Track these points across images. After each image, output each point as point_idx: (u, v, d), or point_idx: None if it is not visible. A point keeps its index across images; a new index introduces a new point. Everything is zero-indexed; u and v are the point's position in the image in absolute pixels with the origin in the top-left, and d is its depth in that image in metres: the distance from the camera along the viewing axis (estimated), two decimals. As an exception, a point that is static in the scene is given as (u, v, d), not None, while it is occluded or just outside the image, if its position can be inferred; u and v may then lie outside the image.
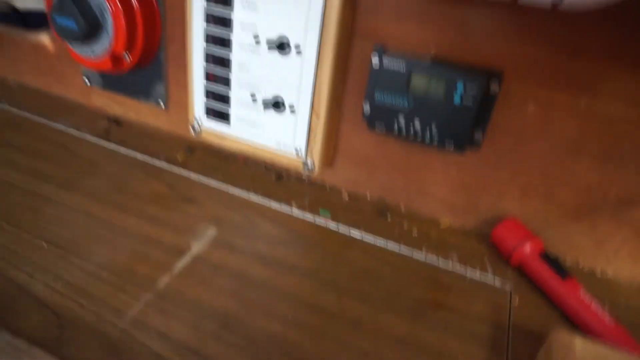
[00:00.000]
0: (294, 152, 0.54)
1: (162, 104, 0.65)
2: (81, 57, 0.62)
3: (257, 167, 0.62)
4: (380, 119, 0.50)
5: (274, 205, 0.55)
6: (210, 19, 0.51)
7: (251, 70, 0.52)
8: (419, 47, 0.47)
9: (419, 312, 0.42)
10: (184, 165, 0.61)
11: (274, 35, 0.49)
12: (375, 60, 0.48)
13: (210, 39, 0.53)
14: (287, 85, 0.51)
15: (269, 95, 0.52)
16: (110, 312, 0.39)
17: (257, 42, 0.50)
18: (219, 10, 0.51)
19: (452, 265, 0.48)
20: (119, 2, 0.56)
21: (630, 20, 0.39)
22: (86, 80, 0.70)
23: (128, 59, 0.60)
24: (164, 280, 0.43)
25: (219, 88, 0.55)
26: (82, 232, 0.48)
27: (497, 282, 0.47)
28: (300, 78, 0.50)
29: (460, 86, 0.45)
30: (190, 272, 0.44)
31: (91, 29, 0.57)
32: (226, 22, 0.51)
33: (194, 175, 0.59)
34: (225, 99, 0.55)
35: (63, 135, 0.65)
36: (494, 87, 0.45)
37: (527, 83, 0.45)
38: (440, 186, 0.53)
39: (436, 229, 0.54)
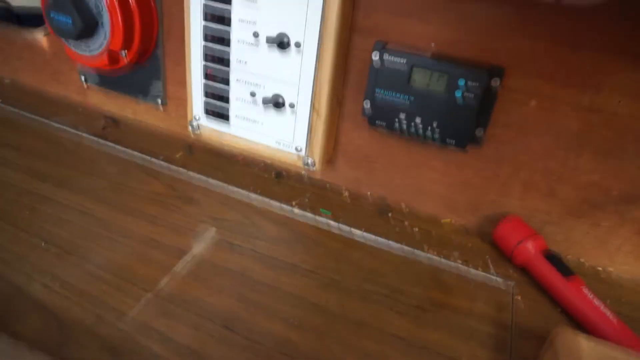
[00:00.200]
0: (294, 150, 0.53)
1: (160, 102, 0.65)
2: (77, 55, 0.61)
3: (257, 166, 0.62)
4: (381, 116, 0.50)
5: (275, 204, 0.55)
6: (209, 15, 0.51)
7: (250, 68, 0.51)
8: (420, 43, 0.47)
9: (422, 311, 0.42)
10: (183, 164, 0.60)
11: (273, 32, 0.48)
12: (375, 57, 0.48)
13: (209, 36, 0.52)
14: (287, 83, 0.50)
15: (269, 93, 0.52)
16: (111, 313, 0.39)
17: (257, 39, 0.49)
18: (217, 6, 0.50)
19: (454, 264, 0.48)
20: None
21: (633, 15, 0.39)
22: (82, 78, 0.69)
23: (125, 56, 0.59)
24: (164, 281, 0.43)
25: (217, 86, 0.54)
26: (81, 232, 0.47)
27: (499, 281, 0.46)
28: (300, 75, 0.49)
29: (461, 82, 0.45)
30: (191, 272, 0.44)
31: (87, 26, 0.57)
32: (225, 19, 0.50)
33: (193, 175, 0.58)
34: (224, 98, 0.54)
35: (60, 134, 0.65)
36: (496, 82, 0.44)
37: (529, 78, 0.44)
38: (441, 184, 0.53)
39: (438, 228, 0.53)
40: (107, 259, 0.44)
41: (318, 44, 0.47)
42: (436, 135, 0.48)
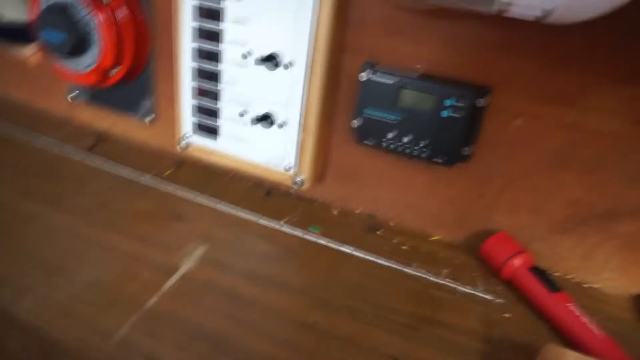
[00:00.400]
0: (283, 168, 0.54)
1: (149, 119, 0.65)
2: (66, 72, 0.61)
3: (246, 183, 0.62)
4: (369, 134, 0.50)
5: (264, 222, 0.54)
6: (200, 33, 0.51)
7: (241, 85, 0.52)
8: (408, 62, 0.48)
9: (412, 328, 0.42)
10: (172, 181, 0.60)
11: (264, 50, 0.49)
12: (364, 75, 0.48)
13: (200, 53, 0.52)
14: (276, 102, 0.51)
15: (259, 110, 0.52)
16: (97, 335, 0.38)
17: (247, 58, 0.50)
18: (208, 25, 0.50)
19: (442, 280, 0.48)
20: (108, 16, 0.55)
21: (615, 34, 0.40)
22: (72, 95, 0.69)
23: (116, 73, 0.59)
24: (152, 301, 0.42)
25: (207, 103, 0.55)
26: (67, 251, 0.47)
27: (487, 297, 0.47)
28: (290, 94, 0.50)
29: (448, 102, 0.45)
30: (180, 291, 0.43)
31: (78, 43, 0.57)
32: (216, 37, 0.51)
33: (182, 192, 0.58)
34: (214, 114, 0.55)
35: (48, 151, 0.64)
36: (483, 101, 0.45)
37: (515, 97, 0.45)
38: (429, 200, 0.53)
39: (427, 245, 0.54)
40: (94, 278, 0.44)
41: (308, 64, 0.48)
42: (424, 154, 0.49)
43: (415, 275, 0.49)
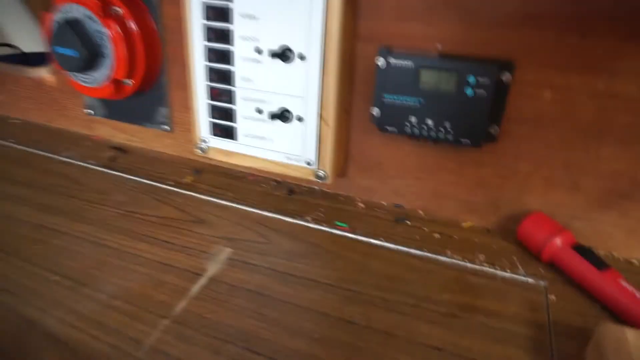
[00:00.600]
0: (304, 164, 0.52)
1: (166, 127, 0.65)
2: (82, 86, 0.61)
3: (268, 183, 0.61)
4: (391, 121, 0.49)
5: (289, 220, 0.53)
6: (210, 34, 0.51)
7: (255, 83, 0.51)
8: (425, 44, 0.46)
9: (453, 318, 0.40)
10: (192, 187, 0.59)
11: (276, 45, 0.48)
12: (380, 62, 0.47)
13: (211, 55, 0.52)
14: (293, 96, 0.50)
15: (275, 106, 0.51)
16: (127, 343, 0.37)
17: (260, 54, 0.49)
18: (218, 25, 0.50)
19: (480, 267, 0.46)
20: (119, 28, 0.55)
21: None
22: (89, 111, 0.70)
23: (130, 84, 0.59)
24: (181, 306, 0.41)
25: (223, 106, 0.54)
26: (93, 262, 0.46)
27: (530, 281, 0.44)
28: (306, 87, 0.48)
29: (471, 79, 0.44)
30: (208, 294, 0.42)
31: (92, 57, 0.57)
32: (226, 37, 0.50)
33: (203, 197, 0.57)
34: (230, 116, 0.54)
35: (69, 168, 0.64)
36: (507, 76, 0.43)
37: (540, 69, 0.43)
38: (457, 186, 0.51)
39: (459, 232, 0.51)
40: (122, 287, 0.43)
41: (322, 54, 0.46)
42: (449, 136, 0.47)
43: (450, 262, 0.47)
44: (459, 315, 0.40)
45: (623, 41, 0.40)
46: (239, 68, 0.51)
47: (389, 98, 0.48)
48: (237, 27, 0.49)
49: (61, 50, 0.58)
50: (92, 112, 0.69)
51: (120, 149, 0.69)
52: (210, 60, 0.52)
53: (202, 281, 0.44)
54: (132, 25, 0.56)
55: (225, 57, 0.51)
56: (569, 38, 0.41)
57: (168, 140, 0.66)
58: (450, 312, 0.41)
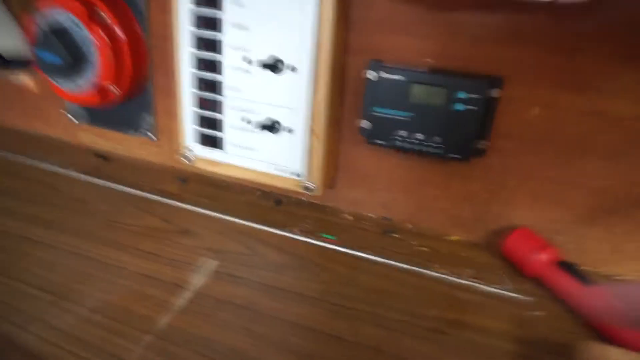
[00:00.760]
0: (293, 175, 0.52)
1: (151, 135, 0.64)
2: (65, 92, 0.60)
3: (255, 194, 0.60)
4: (380, 134, 0.49)
5: (276, 232, 0.53)
6: (199, 43, 0.50)
7: (244, 92, 0.50)
8: (416, 58, 0.46)
9: (440, 334, 0.40)
10: (177, 196, 0.58)
11: (266, 55, 0.48)
12: (371, 74, 0.47)
13: (199, 63, 0.51)
14: (282, 107, 0.49)
15: (264, 117, 0.50)
16: (111, 359, 0.36)
17: (249, 64, 0.49)
18: (207, 33, 0.49)
19: (467, 280, 0.46)
20: (105, 35, 0.54)
21: (627, 14, 0.39)
22: (71, 118, 0.68)
23: (115, 91, 0.58)
24: (164, 320, 0.40)
25: (210, 114, 0.53)
26: (74, 275, 0.45)
27: (515, 295, 0.45)
28: (296, 98, 0.48)
29: (461, 94, 0.44)
30: (193, 308, 0.41)
31: (75, 63, 0.56)
32: (215, 46, 0.49)
33: (188, 207, 0.56)
34: (217, 125, 0.53)
35: (50, 176, 0.63)
36: (495, 92, 0.44)
37: (529, 85, 0.44)
38: (445, 200, 0.52)
39: (446, 245, 0.52)
40: (103, 301, 0.42)
41: (312, 66, 0.46)
42: (439, 150, 0.47)
43: (437, 277, 0.47)
44: (446, 331, 0.40)
45: (610, 61, 0.41)
46: (228, 77, 0.50)
47: (378, 111, 0.48)
48: (227, 36, 0.49)
49: (44, 54, 0.56)
50: (75, 118, 0.68)
51: (104, 157, 0.68)
52: (198, 69, 0.51)
53: (187, 295, 0.43)
54: (118, 32, 0.55)
55: (213, 66, 0.51)
56: (558, 56, 0.42)
57: (153, 148, 0.65)
58: (437, 327, 0.41)
